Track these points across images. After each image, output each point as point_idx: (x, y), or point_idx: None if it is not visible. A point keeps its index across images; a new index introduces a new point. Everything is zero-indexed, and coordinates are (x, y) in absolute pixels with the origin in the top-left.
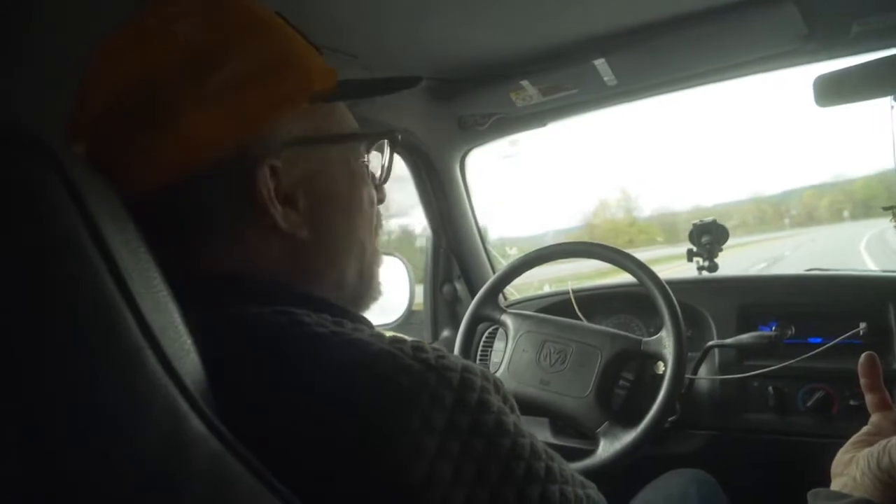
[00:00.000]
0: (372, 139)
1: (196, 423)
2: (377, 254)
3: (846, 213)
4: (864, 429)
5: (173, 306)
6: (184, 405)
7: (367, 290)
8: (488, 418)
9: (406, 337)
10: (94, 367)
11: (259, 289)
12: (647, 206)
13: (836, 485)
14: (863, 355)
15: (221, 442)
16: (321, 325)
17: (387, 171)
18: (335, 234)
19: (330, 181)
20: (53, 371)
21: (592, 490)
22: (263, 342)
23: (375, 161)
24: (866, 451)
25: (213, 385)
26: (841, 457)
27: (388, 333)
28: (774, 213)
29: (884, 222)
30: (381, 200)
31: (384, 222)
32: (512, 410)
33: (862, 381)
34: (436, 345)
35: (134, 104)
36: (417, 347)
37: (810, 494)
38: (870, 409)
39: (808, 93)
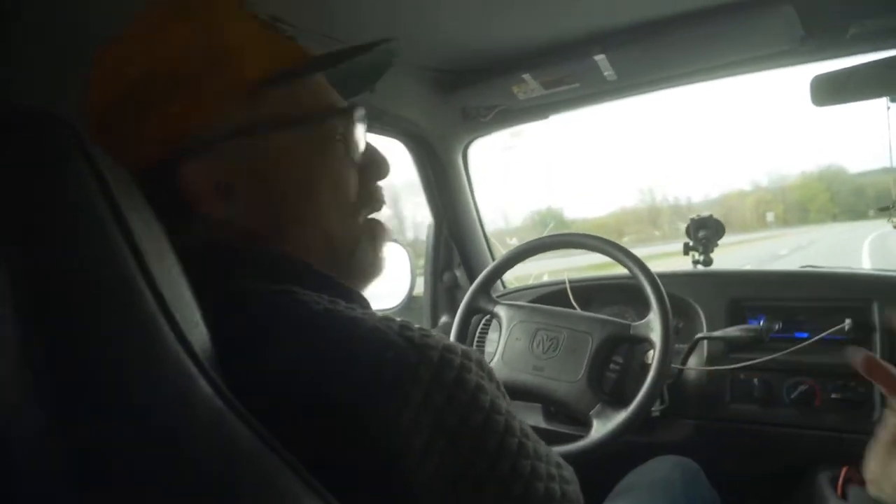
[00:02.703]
0: (317, 121)
1: (203, 384)
2: (360, 234)
3: (770, 217)
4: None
5: (183, 280)
6: (192, 368)
7: (348, 267)
8: (463, 395)
9: (396, 317)
10: (116, 334)
11: (253, 261)
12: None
13: (879, 491)
14: (862, 358)
15: (225, 402)
16: (317, 303)
17: (368, 153)
18: (285, 220)
19: (276, 169)
20: (81, 336)
21: (568, 471)
22: (266, 319)
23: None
24: None
25: (220, 358)
26: (880, 458)
27: (381, 313)
28: (672, 216)
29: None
30: (373, 178)
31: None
32: (498, 387)
33: (879, 381)
34: (429, 328)
35: (108, 107)
36: (404, 326)
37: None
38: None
39: (804, 92)
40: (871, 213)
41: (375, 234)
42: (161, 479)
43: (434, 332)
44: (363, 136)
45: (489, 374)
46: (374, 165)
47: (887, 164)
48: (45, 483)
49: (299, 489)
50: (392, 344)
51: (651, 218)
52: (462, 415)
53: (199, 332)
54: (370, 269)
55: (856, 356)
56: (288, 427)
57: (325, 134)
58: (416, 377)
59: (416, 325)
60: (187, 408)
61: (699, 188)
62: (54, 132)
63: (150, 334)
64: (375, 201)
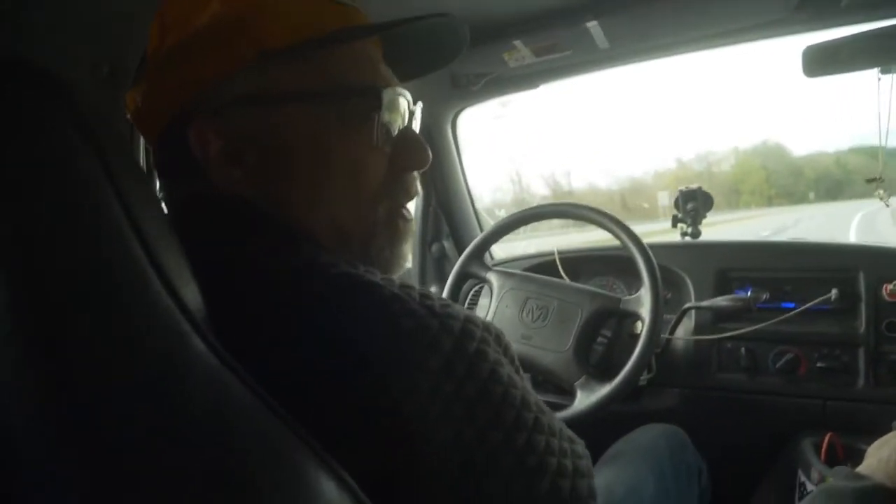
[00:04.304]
0: (339, 98)
1: (196, 341)
2: (376, 226)
3: (664, 198)
4: None
5: (174, 238)
6: (186, 325)
7: (361, 259)
8: (483, 366)
9: (414, 286)
10: (109, 289)
11: (266, 222)
12: None
13: (863, 465)
14: None
15: (220, 359)
16: (334, 266)
17: (405, 142)
18: (293, 198)
19: (286, 139)
20: (73, 292)
21: (580, 446)
22: (280, 281)
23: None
24: None
25: (230, 318)
26: (884, 438)
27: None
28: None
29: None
30: (406, 168)
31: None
32: (511, 362)
33: None
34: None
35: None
36: (424, 295)
37: (833, 471)
38: None
39: (797, 62)
40: (812, 196)
41: (395, 227)
42: (154, 436)
43: (454, 304)
44: (401, 120)
45: (506, 348)
46: (409, 153)
47: (822, 148)
48: (43, 446)
49: (297, 447)
50: (413, 312)
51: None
52: (481, 386)
53: (191, 290)
54: (385, 263)
55: None
56: (306, 390)
57: (350, 113)
58: (436, 345)
59: (437, 296)
60: (180, 364)
61: (607, 169)
62: (45, 89)
63: (142, 288)
64: (404, 192)
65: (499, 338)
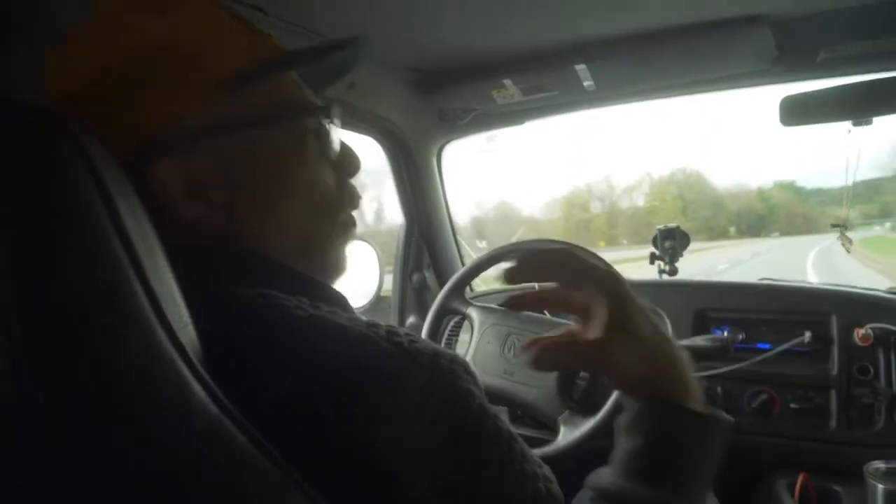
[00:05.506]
0: (292, 118)
1: (198, 389)
2: (333, 233)
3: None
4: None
5: (172, 278)
6: (187, 372)
7: (317, 265)
8: (455, 400)
9: (380, 321)
10: (109, 334)
11: (226, 263)
12: None
13: None
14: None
15: (220, 409)
16: (299, 309)
17: (341, 150)
18: (260, 220)
19: (252, 168)
20: (72, 336)
21: (548, 470)
22: (245, 325)
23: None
24: None
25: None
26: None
27: (363, 317)
28: None
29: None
30: (347, 175)
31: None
32: (481, 392)
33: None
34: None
35: (65, 102)
36: (391, 332)
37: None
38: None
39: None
40: (732, 230)
41: (348, 233)
42: (157, 488)
43: (420, 337)
44: (338, 133)
45: (474, 378)
46: (348, 160)
47: (744, 181)
48: (38, 493)
49: (296, 495)
50: (383, 351)
51: None
52: (454, 420)
53: (188, 334)
54: (337, 267)
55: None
56: (280, 438)
57: (301, 131)
58: (409, 384)
59: (403, 331)
60: (183, 414)
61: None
62: (50, 127)
63: (144, 335)
64: (352, 198)
65: (466, 368)
